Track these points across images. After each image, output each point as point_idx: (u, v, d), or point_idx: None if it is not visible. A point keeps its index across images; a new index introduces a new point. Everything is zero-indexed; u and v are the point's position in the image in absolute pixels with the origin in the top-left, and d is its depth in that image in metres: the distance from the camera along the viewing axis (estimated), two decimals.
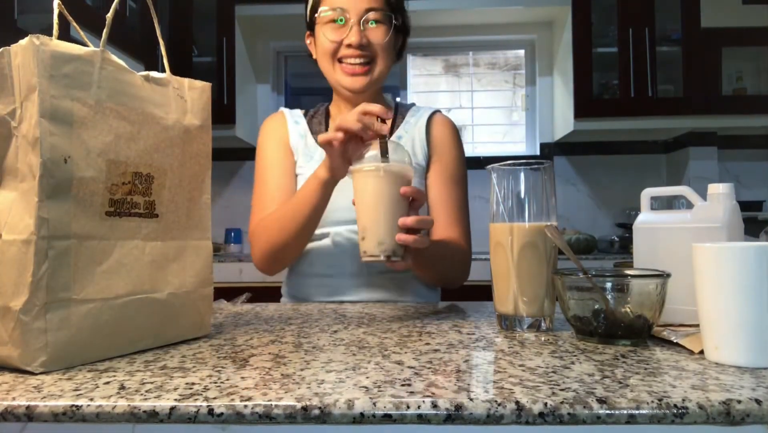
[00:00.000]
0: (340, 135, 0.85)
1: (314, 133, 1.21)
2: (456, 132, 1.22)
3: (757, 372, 0.54)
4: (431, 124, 1.20)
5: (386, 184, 0.81)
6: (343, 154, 0.88)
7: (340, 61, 1.11)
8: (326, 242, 1.14)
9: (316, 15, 1.12)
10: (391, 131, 1.20)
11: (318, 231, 1.11)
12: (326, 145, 0.88)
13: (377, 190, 0.81)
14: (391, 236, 0.81)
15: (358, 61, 1.10)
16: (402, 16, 1.17)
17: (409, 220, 0.81)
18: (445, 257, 1.08)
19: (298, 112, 1.26)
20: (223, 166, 3.00)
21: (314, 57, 1.19)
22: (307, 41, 1.21)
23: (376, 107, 0.84)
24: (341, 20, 1.08)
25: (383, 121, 0.84)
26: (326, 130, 1.21)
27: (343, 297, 1.13)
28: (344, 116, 0.85)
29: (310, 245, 1.14)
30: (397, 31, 1.15)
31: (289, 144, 1.20)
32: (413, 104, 1.29)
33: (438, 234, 1.13)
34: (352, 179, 0.85)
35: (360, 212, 0.84)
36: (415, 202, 0.84)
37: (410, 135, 1.19)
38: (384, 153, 0.82)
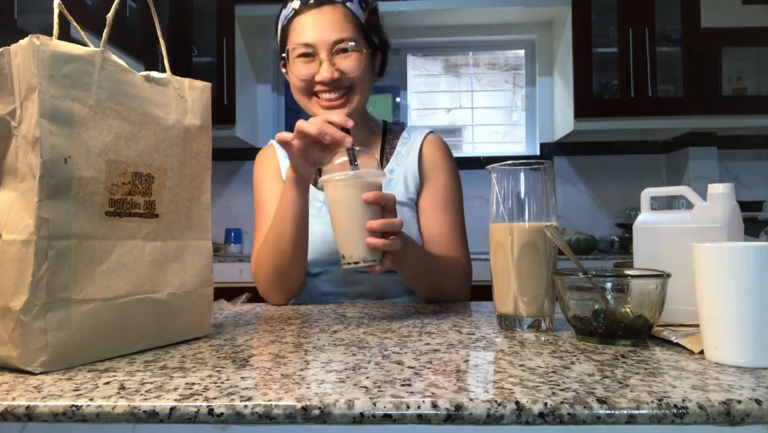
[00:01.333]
0: (296, 140, 0.87)
1: None
2: (446, 151, 1.19)
3: (757, 372, 0.54)
4: (423, 148, 1.17)
5: (353, 191, 0.82)
6: (304, 155, 0.89)
7: (315, 95, 1.08)
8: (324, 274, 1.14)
9: (284, 53, 1.09)
10: (381, 160, 1.17)
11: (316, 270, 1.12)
12: (284, 145, 0.89)
13: (347, 199, 0.83)
14: (362, 241, 0.82)
15: (333, 95, 1.06)
16: (378, 34, 1.12)
17: (375, 223, 0.82)
18: (436, 271, 1.04)
19: None
20: (223, 166, 3.01)
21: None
22: (283, 70, 1.15)
23: (336, 117, 0.86)
24: (310, 55, 1.05)
25: (347, 131, 0.85)
26: None
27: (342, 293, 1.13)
28: (308, 121, 0.87)
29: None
30: (373, 50, 1.11)
31: (281, 176, 1.18)
32: (403, 125, 1.24)
33: None
34: (324, 189, 0.86)
35: (334, 221, 0.85)
36: (385, 206, 0.84)
37: (402, 168, 1.16)
38: (352, 161, 0.84)
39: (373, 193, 0.82)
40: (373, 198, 0.82)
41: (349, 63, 1.05)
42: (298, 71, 1.06)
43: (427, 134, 1.19)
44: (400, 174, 1.15)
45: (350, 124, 0.86)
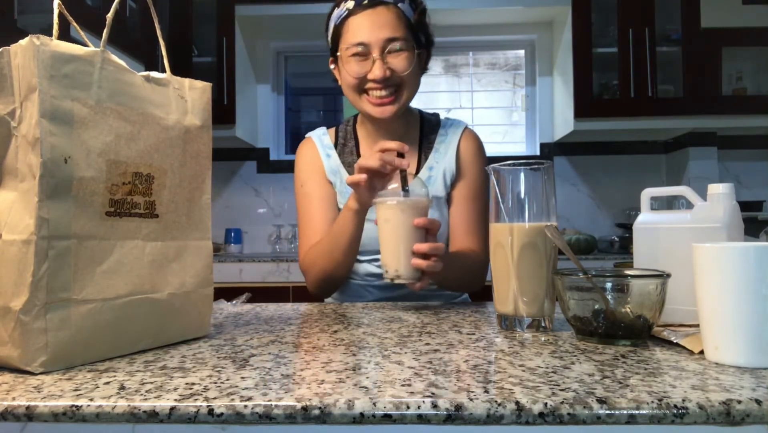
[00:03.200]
0: (363, 177, 0.94)
1: (347, 165, 1.22)
2: (481, 147, 1.25)
3: (757, 372, 0.54)
4: (460, 143, 1.22)
5: (404, 215, 0.91)
6: (369, 189, 0.96)
7: (365, 92, 1.12)
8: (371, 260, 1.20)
9: (338, 52, 1.13)
10: (419, 153, 1.22)
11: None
12: (354, 185, 0.96)
13: (396, 221, 0.92)
14: (408, 262, 0.91)
15: (384, 93, 1.10)
16: (425, 33, 1.17)
17: (423, 247, 0.90)
18: (462, 269, 1.11)
19: (328, 142, 1.25)
20: (223, 166, 3.00)
21: (339, 83, 1.18)
22: (331, 66, 1.20)
23: (393, 144, 0.92)
24: (363, 54, 1.09)
25: (401, 154, 0.92)
26: (358, 155, 1.23)
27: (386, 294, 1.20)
28: (365, 157, 0.94)
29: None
30: (420, 47, 1.15)
31: (325, 174, 1.22)
32: (437, 117, 1.28)
33: (456, 244, 1.18)
34: (376, 209, 0.95)
35: (382, 240, 0.94)
36: (430, 230, 0.93)
37: (441, 165, 1.21)
38: (404, 186, 0.92)
39: (422, 220, 0.91)
40: (423, 224, 0.91)
41: (400, 62, 1.09)
42: (351, 69, 1.10)
43: (464, 130, 1.25)
44: (438, 171, 1.20)
45: (406, 149, 0.92)
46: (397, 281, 0.93)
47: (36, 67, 0.56)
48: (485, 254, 1.17)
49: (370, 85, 1.10)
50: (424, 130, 1.25)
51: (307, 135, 1.28)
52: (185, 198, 0.72)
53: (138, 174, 0.66)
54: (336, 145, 1.24)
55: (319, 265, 1.12)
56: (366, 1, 1.09)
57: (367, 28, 1.08)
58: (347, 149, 1.24)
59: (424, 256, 0.90)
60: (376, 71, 1.08)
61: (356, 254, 1.10)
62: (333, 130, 1.28)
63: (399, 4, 1.11)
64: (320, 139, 1.25)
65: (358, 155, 1.22)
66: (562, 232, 2.64)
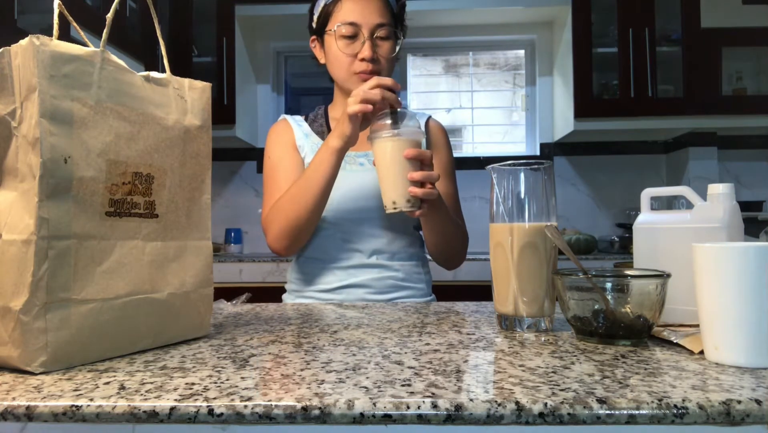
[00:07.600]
0: (369, 107, 0.99)
1: (316, 134, 1.28)
2: (447, 134, 1.35)
3: (757, 372, 0.54)
4: (429, 128, 1.31)
5: (400, 147, 0.96)
6: (361, 123, 1.03)
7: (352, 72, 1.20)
8: (343, 230, 1.21)
9: (328, 28, 1.19)
10: None
11: (333, 220, 1.19)
12: (352, 116, 1.01)
13: (393, 153, 0.96)
14: (405, 191, 0.96)
15: (370, 69, 1.17)
16: (402, 25, 1.27)
17: (417, 174, 0.96)
18: (451, 222, 1.18)
19: (299, 117, 1.34)
20: (223, 166, 3.00)
21: (321, 62, 1.26)
22: (312, 45, 1.27)
23: (388, 80, 1.00)
24: (354, 35, 1.17)
25: (393, 91, 1.00)
26: (327, 130, 1.28)
27: (352, 280, 1.19)
28: (362, 90, 1.00)
29: (327, 232, 1.21)
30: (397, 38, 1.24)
31: (295, 145, 1.27)
32: (406, 107, 1.34)
33: None
34: (372, 147, 1.00)
35: (380, 173, 0.99)
36: (423, 161, 0.98)
37: None
38: (397, 121, 0.98)
39: (413, 150, 0.96)
40: (413, 155, 0.96)
41: (385, 48, 1.19)
42: (342, 47, 1.18)
43: (429, 117, 1.35)
44: None
45: (399, 87, 1.01)
46: (397, 211, 0.98)
47: (36, 67, 0.56)
48: (465, 226, 1.26)
49: (357, 64, 1.17)
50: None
51: (280, 118, 1.36)
52: (185, 198, 0.72)
53: (138, 174, 0.66)
54: (306, 120, 1.32)
55: (285, 212, 1.12)
56: None
57: (359, 12, 1.17)
58: (317, 123, 1.31)
59: (421, 185, 0.97)
60: (366, 51, 1.15)
61: (326, 201, 1.11)
62: (303, 116, 1.36)
63: None
64: (291, 117, 1.34)
65: (329, 130, 1.28)
66: (562, 232, 2.64)
